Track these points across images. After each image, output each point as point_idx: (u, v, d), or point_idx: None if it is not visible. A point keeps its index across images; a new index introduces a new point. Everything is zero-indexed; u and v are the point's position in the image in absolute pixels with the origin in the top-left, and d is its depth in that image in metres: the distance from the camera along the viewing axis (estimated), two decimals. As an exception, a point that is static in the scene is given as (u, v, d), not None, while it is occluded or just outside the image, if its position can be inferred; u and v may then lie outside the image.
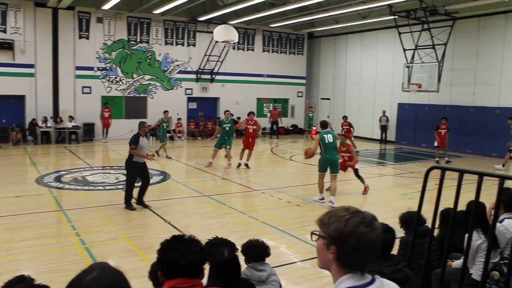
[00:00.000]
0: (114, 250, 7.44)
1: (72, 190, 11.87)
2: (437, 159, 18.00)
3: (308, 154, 11.07)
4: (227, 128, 15.81)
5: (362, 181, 11.96)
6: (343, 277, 1.88)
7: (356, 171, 11.91)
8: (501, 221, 5.29)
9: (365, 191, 11.97)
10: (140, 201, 10.06)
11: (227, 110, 16.65)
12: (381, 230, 1.86)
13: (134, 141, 9.81)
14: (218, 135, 16.21)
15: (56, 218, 9.30)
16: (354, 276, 1.86)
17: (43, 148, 20.15)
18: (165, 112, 18.56)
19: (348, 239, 1.81)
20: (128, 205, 9.90)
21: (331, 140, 10.77)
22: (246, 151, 15.80)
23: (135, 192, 10.09)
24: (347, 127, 20.51)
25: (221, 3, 22.11)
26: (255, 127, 15.97)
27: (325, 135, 10.81)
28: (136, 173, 9.97)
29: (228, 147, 15.73)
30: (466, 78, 20.87)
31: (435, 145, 18.16)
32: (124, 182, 10.78)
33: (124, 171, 10.76)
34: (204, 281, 3.47)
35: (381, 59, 25.11)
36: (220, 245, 4.02)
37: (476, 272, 4.95)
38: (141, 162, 9.96)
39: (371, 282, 1.90)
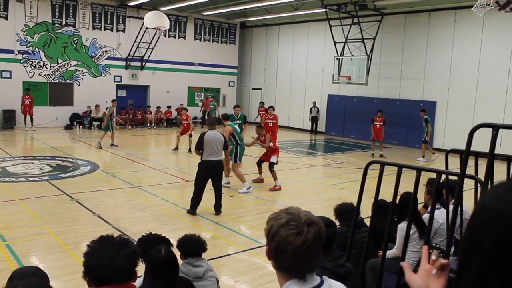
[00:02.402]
0: (38, 246, 7.01)
1: (-9, 181, 11.13)
2: (372, 152, 18.01)
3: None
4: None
5: (274, 176, 11.40)
6: (285, 285, 1.78)
7: (271, 165, 11.48)
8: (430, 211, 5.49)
9: (274, 188, 11.35)
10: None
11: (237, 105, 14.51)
12: (314, 235, 1.72)
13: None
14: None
15: (-28, 213, 8.67)
16: (295, 282, 1.77)
17: (-42, 136, 18.80)
18: (114, 101, 18.24)
19: (272, 241, 1.75)
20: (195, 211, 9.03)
21: (238, 130, 11.29)
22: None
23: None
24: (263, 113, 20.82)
25: (152, -12, 21.53)
26: (274, 121, 15.06)
27: (235, 126, 11.25)
28: None
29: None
30: (393, 72, 21.67)
31: (371, 138, 18.17)
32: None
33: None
34: (139, 280, 3.32)
35: (312, 51, 25.51)
36: (155, 241, 3.87)
37: (407, 261, 5.11)
38: None
39: (319, 285, 1.83)
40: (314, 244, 1.73)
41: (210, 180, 9.08)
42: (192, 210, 8.97)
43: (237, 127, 11.45)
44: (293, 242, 1.70)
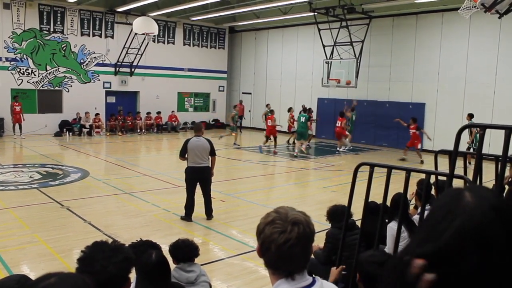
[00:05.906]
0: (29, 254, 6.95)
1: (-20, 190, 11.01)
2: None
3: None
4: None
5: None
6: (276, 283, 1.81)
7: None
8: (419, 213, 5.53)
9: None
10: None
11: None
12: (298, 234, 1.73)
13: None
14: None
15: (-39, 222, 8.58)
16: (284, 281, 1.78)
17: None
18: (235, 106, 22.68)
19: (259, 238, 1.79)
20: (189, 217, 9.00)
21: (302, 120, 17.93)
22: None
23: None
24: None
25: (140, -6, 21.48)
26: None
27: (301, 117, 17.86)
28: None
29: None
30: (382, 75, 21.79)
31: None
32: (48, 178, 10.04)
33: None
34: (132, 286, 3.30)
35: (301, 55, 25.58)
36: (145, 247, 3.85)
37: (398, 261, 5.12)
38: None
39: (310, 285, 1.84)
40: (298, 243, 1.75)
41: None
42: (187, 217, 8.95)
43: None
44: (276, 240, 1.73)
